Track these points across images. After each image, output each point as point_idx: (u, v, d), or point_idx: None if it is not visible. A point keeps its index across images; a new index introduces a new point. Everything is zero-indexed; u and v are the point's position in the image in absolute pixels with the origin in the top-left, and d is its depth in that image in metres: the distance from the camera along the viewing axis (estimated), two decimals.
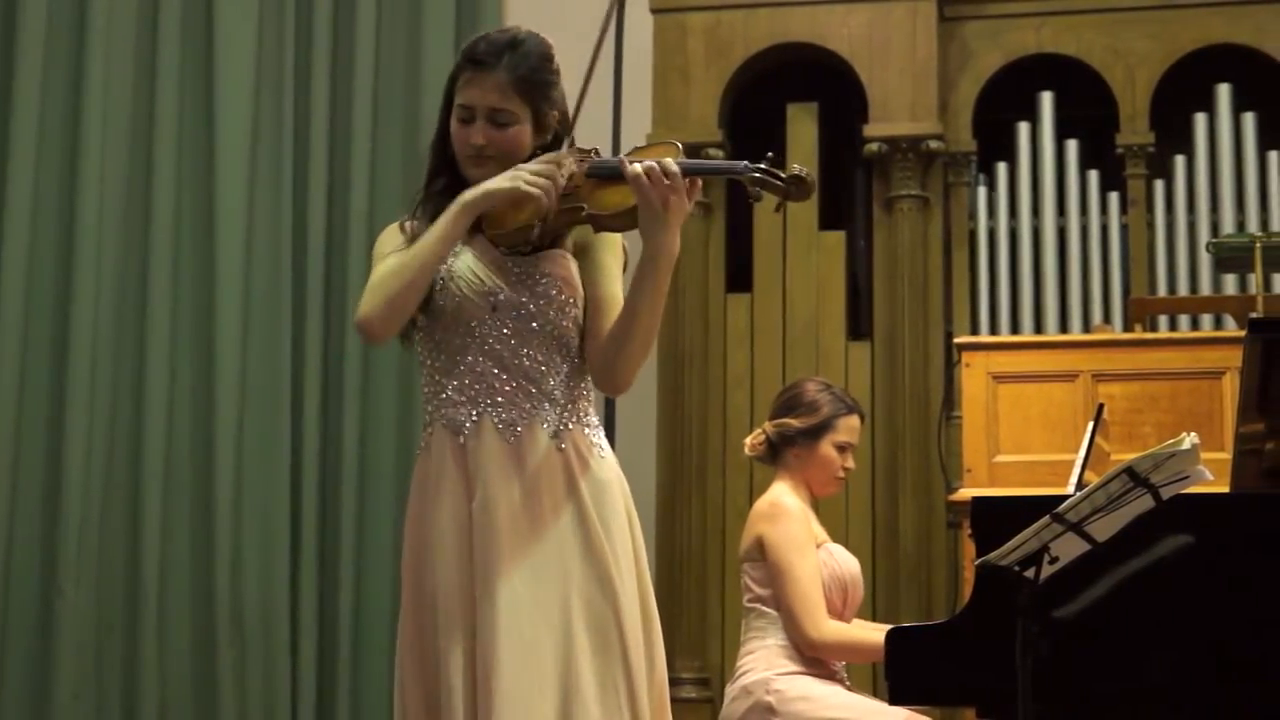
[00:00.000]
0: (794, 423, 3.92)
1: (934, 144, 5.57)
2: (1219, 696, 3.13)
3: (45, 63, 5.92)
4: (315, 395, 5.88)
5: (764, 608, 3.83)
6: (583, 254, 2.87)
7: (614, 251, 2.89)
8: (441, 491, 2.78)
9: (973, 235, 5.70)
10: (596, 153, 2.88)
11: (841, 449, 3.92)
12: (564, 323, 2.82)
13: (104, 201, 5.88)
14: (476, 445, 2.77)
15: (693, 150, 5.53)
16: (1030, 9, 5.72)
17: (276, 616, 5.75)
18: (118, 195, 5.92)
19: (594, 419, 2.87)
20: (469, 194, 2.78)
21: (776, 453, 3.96)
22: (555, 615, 2.71)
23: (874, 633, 3.79)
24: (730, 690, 3.84)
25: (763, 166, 2.77)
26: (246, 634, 5.75)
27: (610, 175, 2.79)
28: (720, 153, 5.63)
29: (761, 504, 3.91)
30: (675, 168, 2.71)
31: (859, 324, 5.66)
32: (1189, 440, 2.77)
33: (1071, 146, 5.69)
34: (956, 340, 5.29)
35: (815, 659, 3.78)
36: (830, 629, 3.76)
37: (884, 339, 5.52)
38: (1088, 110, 5.75)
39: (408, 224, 2.91)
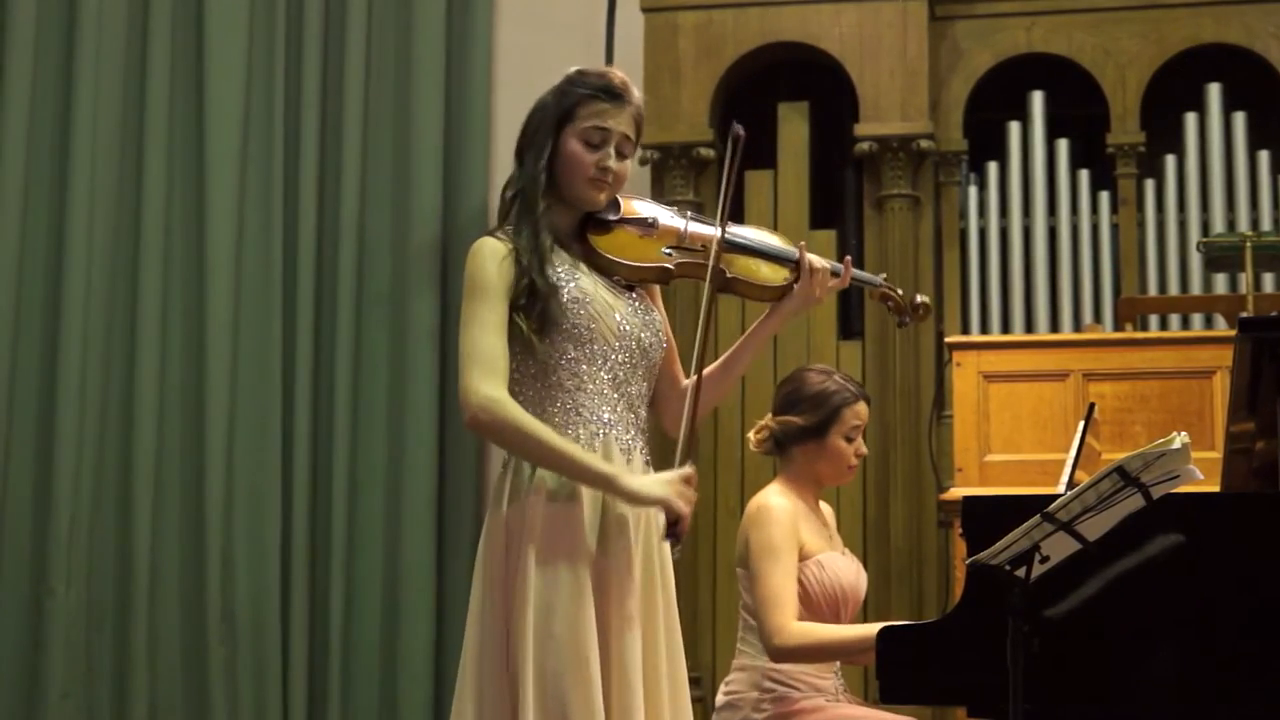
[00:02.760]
0: (798, 420, 3.77)
1: (925, 143, 5.57)
2: (1208, 694, 3.13)
3: (35, 61, 5.91)
4: (306, 393, 5.88)
5: (752, 620, 3.76)
6: (652, 300, 3.10)
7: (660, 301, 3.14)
8: (580, 500, 2.87)
9: (963, 234, 5.71)
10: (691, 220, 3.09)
11: (850, 438, 3.78)
12: (659, 359, 3.02)
13: (94, 201, 5.87)
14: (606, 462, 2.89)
15: (684, 149, 5.60)
16: (1021, 9, 5.72)
17: (268, 615, 5.75)
18: (108, 194, 5.92)
19: None
20: (635, 487, 2.85)
21: (782, 448, 3.84)
22: (659, 644, 2.92)
23: (843, 632, 3.65)
24: (718, 700, 3.79)
25: (892, 287, 3.28)
26: (238, 633, 5.75)
27: (753, 251, 3.08)
28: (711, 152, 5.63)
29: (750, 506, 3.79)
30: (848, 278, 3.16)
31: (850, 323, 5.66)
32: (1179, 439, 2.78)
33: (1062, 146, 5.70)
34: (947, 339, 5.30)
35: (803, 677, 3.70)
36: (794, 633, 3.59)
37: (875, 338, 5.53)
38: (1078, 110, 5.76)
39: (501, 236, 2.95)
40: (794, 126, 5.71)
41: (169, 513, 5.82)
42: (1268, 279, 5.42)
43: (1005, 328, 5.60)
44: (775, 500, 3.73)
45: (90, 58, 5.91)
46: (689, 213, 3.11)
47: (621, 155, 2.97)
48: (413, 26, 6.00)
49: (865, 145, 5.59)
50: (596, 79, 2.98)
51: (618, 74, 3.01)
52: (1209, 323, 5.43)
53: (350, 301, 5.91)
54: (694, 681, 5.38)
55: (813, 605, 3.67)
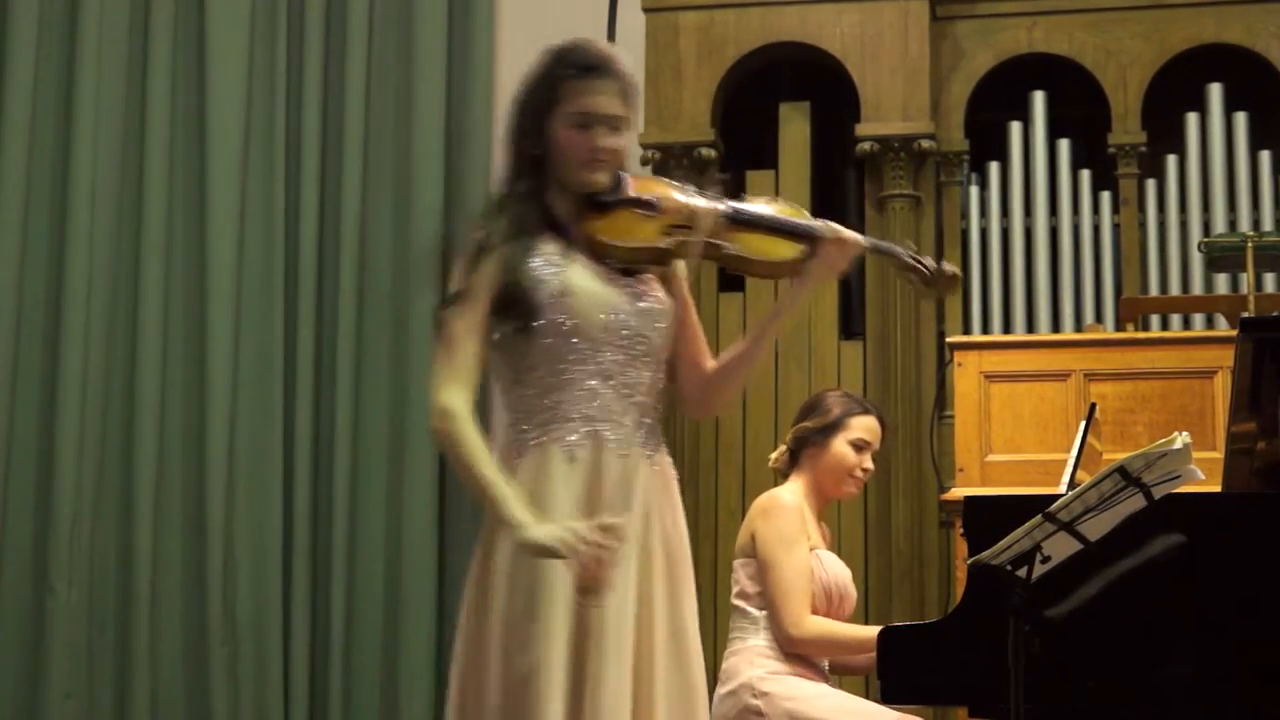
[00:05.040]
0: (808, 424, 3.95)
1: (926, 143, 5.57)
2: (1209, 695, 3.13)
3: (37, 61, 5.91)
4: (308, 393, 5.88)
5: (748, 607, 3.82)
6: (666, 282, 2.93)
7: (684, 275, 2.97)
8: (554, 509, 2.75)
9: (965, 234, 5.71)
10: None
11: (858, 448, 3.90)
12: (661, 345, 2.87)
13: (96, 201, 5.88)
14: (590, 462, 2.79)
15: (685, 149, 5.60)
16: (1022, 9, 5.72)
17: (269, 614, 5.75)
18: (110, 193, 5.92)
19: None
20: (533, 536, 2.66)
21: (794, 459, 3.96)
22: (652, 641, 2.77)
23: (857, 630, 3.78)
24: (717, 693, 3.82)
25: (918, 256, 3.03)
26: (239, 632, 5.75)
27: (760, 226, 2.92)
28: (713, 152, 5.63)
29: (760, 499, 3.92)
30: (863, 241, 2.97)
31: (851, 323, 5.66)
32: (1181, 439, 2.78)
33: (1063, 146, 5.69)
34: (949, 339, 5.30)
35: (799, 658, 3.77)
36: (810, 625, 3.73)
37: (876, 338, 5.52)
38: (1079, 110, 5.76)
39: (487, 233, 2.84)
40: (795, 126, 5.71)
41: (170, 513, 5.82)
42: (1269, 279, 5.42)
43: (1007, 328, 5.60)
44: (786, 495, 3.89)
45: (92, 58, 5.91)
46: (707, 191, 2.95)
47: (615, 131, 2.84)
48: (414, 26, 6.00)
49: (866, 145, 5.58)
50: (576, 57, 2.85)
51: (596, 48, 2.88)
52: (1210, 323, 5.43)
53: (352, 301, 5.90)
54: None
55: (811, 597, 3.75)
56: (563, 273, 2.80)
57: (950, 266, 3.05)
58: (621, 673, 2.70)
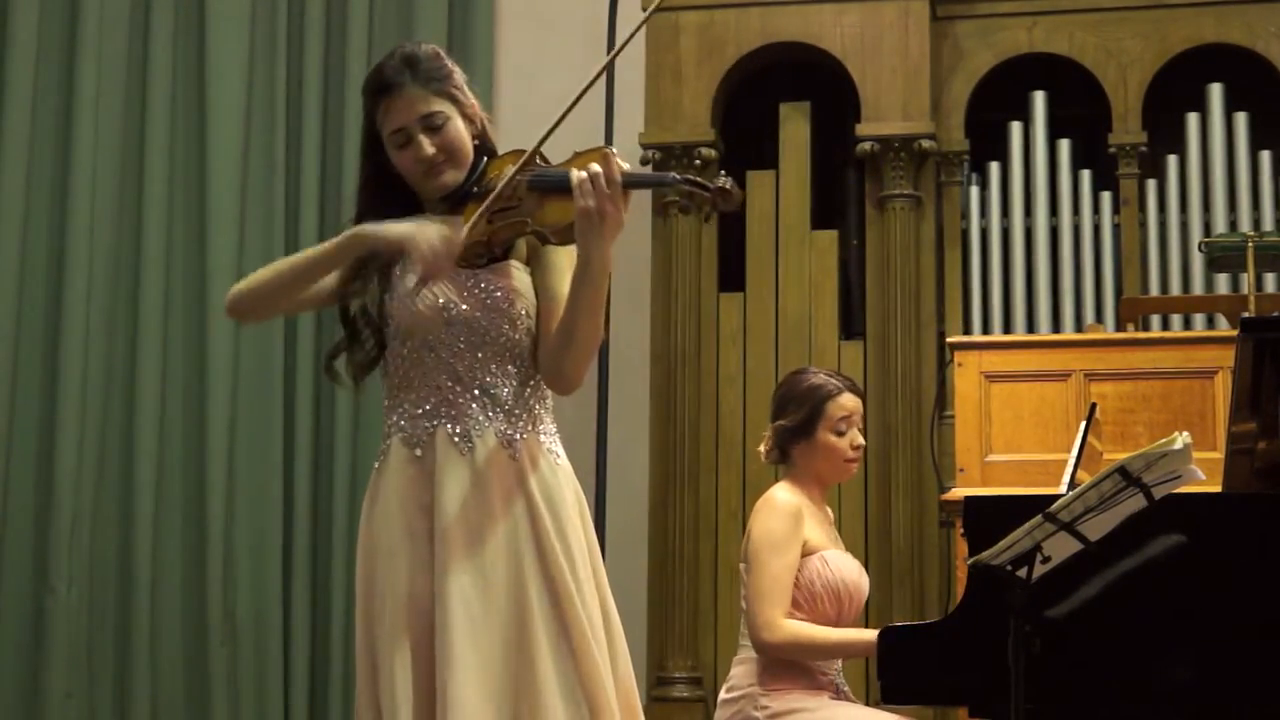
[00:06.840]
0: (786, 422, 3.83)
1: (926, 143, 5.57)
2: (1209, 696, 3.13)
3: (37, 60, 5.91)
4: (308, 393, 5.88)
5: None
6: (535, 256, 2.88)
7: (566, 250, 2.86)
8: (395, 505, 2.84)
9: (965, 234, 5.71)
10: (542, 158, 2.85)
11: (840, 431, 3.81)
12: (515, 335, 2.84)
13: (96, 201, 5.88)
14: (432, 458, 2.81)
15: (686, 149, 5.60)
16: (1022, 8, 5.72)
17: (269, 614, 5.75)
18: (110, 193, 5.92)
19: (551, 426, 2.89)
20: (365, 228, 2.84)
21: (783, 454, 3.90)
22: (511, 624, 2.76)
23: (832, 634, 3.67)
24: (720, 698, 3.81)
25: (691, 178, 2.72)
26: (239, 632, 5.75)
27: (553, 187, 2.75)
28: (713, 152, 5.63)
29: (760, 500, 3.87)
30: (618, 177, 2.67)
31: (851, 323, 5.66)
32: (1181, 440, 2.78)
33: (1064, 146, 5.69)
34: (949, 339, 5.30)
35: (806, 671, 3.73)
36: (783, 629, 3.63)
37: (876, 338, 5.53)
38: (1080, 110, 5.76)
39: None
40: (795, 126, 5.71)
41: (170, 512, 5.83)
42: (1269, 279, 5.42)
43: (1007, 328, 5.60)
44: (781, 495, 3.79)
45: (92, 58, 5.91)
46: (537, 160, 2.82)
47: (436, 129, 2.88)
48: (414, 25, 6.01)
49: (867, 145, 5.58)
50: (372, 80, 2.91)
51: (389, 61, 2.91)
52: (1211, 323, 5.43)
53: None
54: (695, 681, 5.39)
55: (816, 600, 3.70)
56: (407, 275, 2.85)
57: (727, 180, 2.68)
58: (477, 671, 2.72)
